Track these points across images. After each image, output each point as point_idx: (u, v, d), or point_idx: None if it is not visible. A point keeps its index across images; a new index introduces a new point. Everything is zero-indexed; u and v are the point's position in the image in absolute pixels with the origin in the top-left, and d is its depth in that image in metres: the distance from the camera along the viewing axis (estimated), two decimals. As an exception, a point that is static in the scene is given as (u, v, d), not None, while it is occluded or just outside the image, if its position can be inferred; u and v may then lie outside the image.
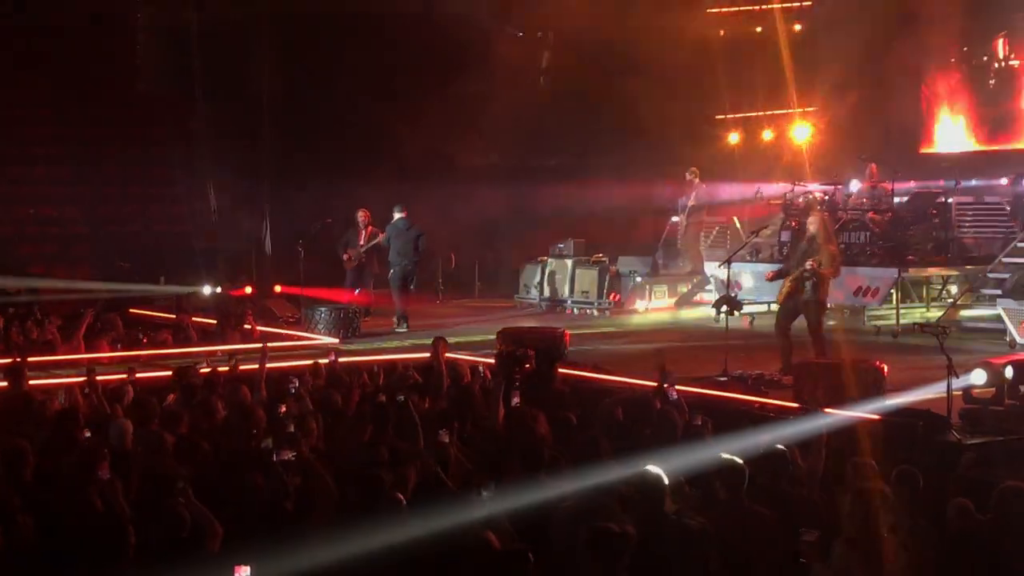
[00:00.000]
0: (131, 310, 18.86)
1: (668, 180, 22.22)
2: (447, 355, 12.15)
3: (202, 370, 11.83)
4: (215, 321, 17.27)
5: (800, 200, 19.31)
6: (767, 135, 24.52)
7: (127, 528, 6.74)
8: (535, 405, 10.08)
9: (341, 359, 12.89)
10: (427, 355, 12.41)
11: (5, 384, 10.97)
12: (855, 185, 19.97)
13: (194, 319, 17.18)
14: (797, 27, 24.26)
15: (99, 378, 10.79)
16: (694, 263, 21.25)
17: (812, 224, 13.74)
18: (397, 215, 18.97)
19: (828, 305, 14.42)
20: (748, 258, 19.16)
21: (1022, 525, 6.92)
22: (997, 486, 7.29)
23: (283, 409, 9.88)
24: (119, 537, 6.67)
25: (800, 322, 13.56)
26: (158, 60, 26.73)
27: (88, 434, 8.88)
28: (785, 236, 18.70)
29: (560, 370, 12.47)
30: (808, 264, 13.21)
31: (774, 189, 21.17)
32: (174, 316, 17.64)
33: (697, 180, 21.05)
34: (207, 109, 25.63)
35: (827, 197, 19.36)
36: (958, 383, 10.67)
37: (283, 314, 19.07)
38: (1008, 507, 7.02)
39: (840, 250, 14.64)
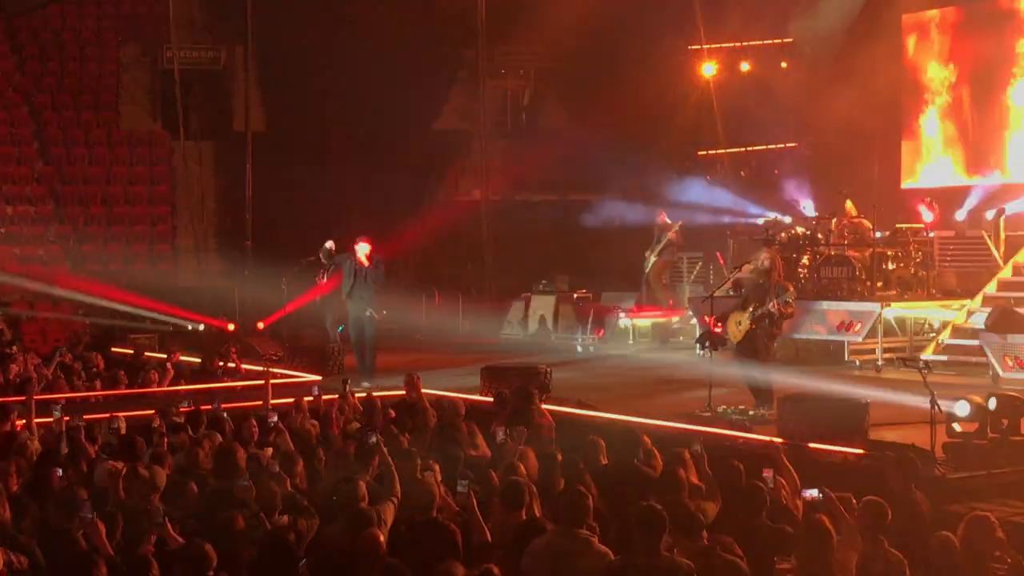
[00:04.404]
0: (113, 349, 18.81)
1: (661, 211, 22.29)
2: (425, 391, 12.17)
3: (182, 408, 11.79)
4: (199, 359, 17.23)
5: (783, 234, 19.41)
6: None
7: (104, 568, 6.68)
8: (524, 443, 10.06)
9: (324, 396, 12.84)
10: (401, 392, 12.41)
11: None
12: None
13: (179, 357, 17.11)
14: (783, 64, 24.47)
15: (86, 417, 10.76)
16: (658, 299, 21.38)
17: (766, 259, 13.69)
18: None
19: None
20: (731, 293, 19.21)
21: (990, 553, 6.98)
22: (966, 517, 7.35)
23: (269, 452, 9.85)
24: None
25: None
26: (141, 99, 26.78)
27: (62, 474, 8.80)
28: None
29: (545, 407, 12.45)
30: (771, 306, 13.18)
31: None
32: (164, 355, 17.58)
33: (666, 220, 21.28)
34: (189, 147, 25.68)
35: (808, 232, 19.45)
36: (941, 417, 10.68)
37: (267, 352, 19.00)
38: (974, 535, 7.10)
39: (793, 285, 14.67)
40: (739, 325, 13.40)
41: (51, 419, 10.89)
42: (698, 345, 16.11)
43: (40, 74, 26.51)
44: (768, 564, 6.90)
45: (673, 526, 6.79)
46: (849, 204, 19.57)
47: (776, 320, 13.32)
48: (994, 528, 7.18)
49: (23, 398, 12.22)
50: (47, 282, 21.96)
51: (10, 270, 22.75)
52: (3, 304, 21.45)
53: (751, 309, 13.28)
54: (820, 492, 7.80)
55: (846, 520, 7.56)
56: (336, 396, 12.79)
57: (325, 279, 18.37)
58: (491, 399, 12.88)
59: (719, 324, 13.92)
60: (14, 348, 17.46)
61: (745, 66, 24.50)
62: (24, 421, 10.96)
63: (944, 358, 16.51)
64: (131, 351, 18.46)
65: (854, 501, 7.90)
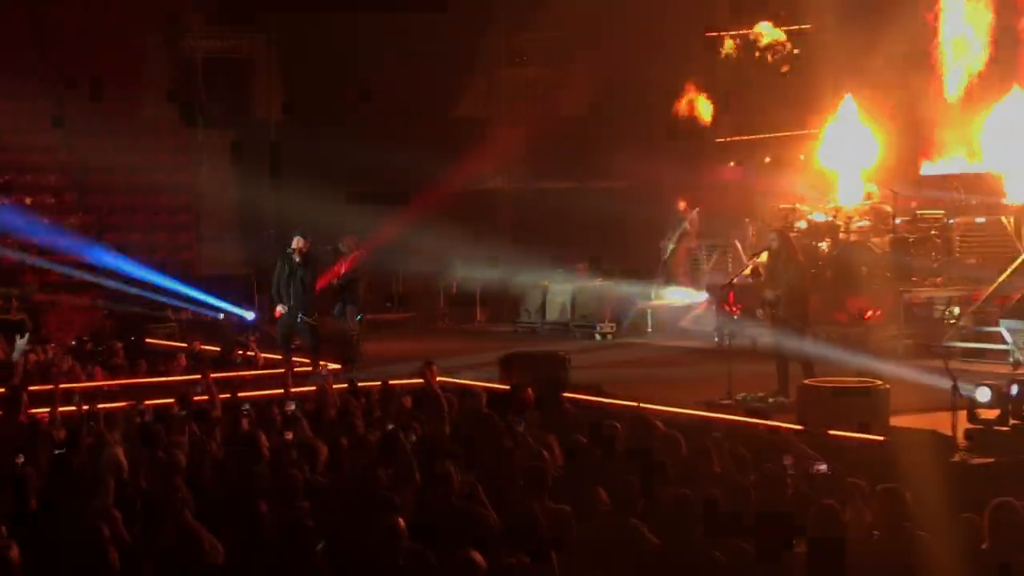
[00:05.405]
0: (134, 338, 18.87)
1: (681, 198, 22.18)
2: (445, 379, 12.18)
3: (197, 397, 11.84)
4: (219, 348, 17.29)
5: (802, 221, 19.36)
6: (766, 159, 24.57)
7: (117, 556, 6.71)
8: (545, 429, 10.08)
9: (337, 385, 12.85)
10: (419, 380, 12.41)
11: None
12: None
13: (200, 346, 17.17)
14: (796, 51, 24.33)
15: (101, 406, 10.81)
16: (677, 286, 21.36)
17: (774, 240, 13.69)
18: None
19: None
20: (749, 280, 19.13)
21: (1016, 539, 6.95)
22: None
23: (289, 436, 9.91)
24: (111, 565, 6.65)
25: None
26: (162, 87, 26.82)
27: (78, 461, 8.86)
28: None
29: (566, 395, 12.48)
30: (769, 294, 13.18)
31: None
32: (185, 344, 17.64)
33: (686, 206, 21.26)
34: (211, 134, 25.73)
35: (828, 218, 19.38)
36: (962, 403, 10.65)
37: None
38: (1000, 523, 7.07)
39: (807, 259, 14.65)
40: (765, 312, 13.41)
41: (71, 408, 10.95)
42: (716, 332, 16.11)
43: (62, 63, 26.58)
44: (787, 547, 6.95)
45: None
46: (871, 189, 19.52)
47: (793, 301, 13.31)
48: (1019, 513, 7.15)
49: (48, 387, 12.31)
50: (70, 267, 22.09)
51: (32, 258, 22.86)
52: (24, 294, 21.51)
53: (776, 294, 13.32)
54: (829, 467, 7.83)
55: (856, 501, 7.57)
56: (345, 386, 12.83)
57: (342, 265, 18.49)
58: (508, 387, 12.88)
59: (737, 308, 13.93)
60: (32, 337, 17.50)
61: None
62: (49, 410, 11.00)
63: (965, 344, 16.44)
64: (153, 340, 18.54)
65: (865, 488, 7.91)
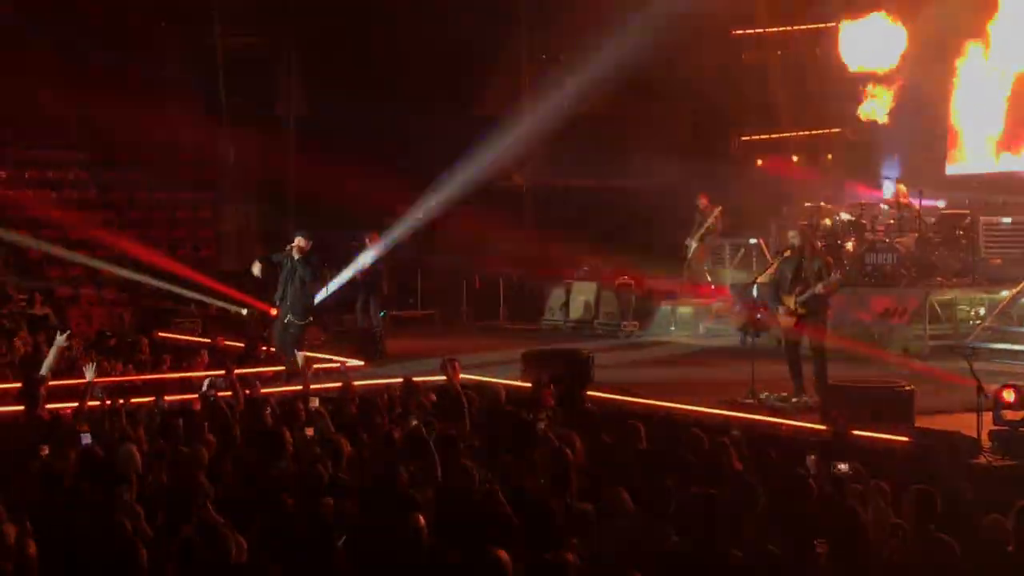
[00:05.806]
0: (160, 333, 18.95)
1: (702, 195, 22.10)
2: (466, 376, 12.18)
3: (221, 393, 11.87)
4: (243, 344, 17.33)
5: (827, 220, 19.29)
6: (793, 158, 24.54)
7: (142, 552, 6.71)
8: (567, 427, 10.06)
9: (360, 381, 12.86)
10: (441, 377, 12.40)
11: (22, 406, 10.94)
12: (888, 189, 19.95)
13: (223, 342, 17.21)
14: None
15: (122, 401, 10.86)
16: (700, 285, 21.30)
17: (795, 237, 13.61)
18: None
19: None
20: (775, 278, 19.03)
21: None
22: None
23: (310, 432, 9.91)
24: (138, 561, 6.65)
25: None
26: (184, 84, 26.91)
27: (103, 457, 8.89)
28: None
29: (588, 393, 12.46)
30: (819, 288, 13.07)
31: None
32: (208, 340, 17.70)
33: (707, 203, 21.20)
34: (233, 132, 25.79)
35: (853, 218, 19.32)
36: (987, 404, 10.58)
37: (309, 337, 19.03)
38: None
39: (833, 258, 14.59)
40: (790, 311, 13.29)
41: (94, 403, 10.98)
42: (740, 332, 16.04)
43: (84, 59, 26.68)
44: (809, 548, 6.94)
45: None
46: (900, 188, 19.48)
47: (824, 300, 13.24)
48: None
49: (73, 381, 12.32)
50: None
51: (56, 252, 22.97)
52: (47, 288, 21.61)
53: (796, 293, 13.21)
54: (851, 468, 7.79)
55: (878, 502, 7.53)
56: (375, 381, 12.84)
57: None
58: (530, 385, 12.85)
59: (761, 310, 13.86)
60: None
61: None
62: (76, 404, 11.02)
63: (990, 345, 16.34)
64: (177, 335, 18.61)
65: (888, 489, 7.86)
